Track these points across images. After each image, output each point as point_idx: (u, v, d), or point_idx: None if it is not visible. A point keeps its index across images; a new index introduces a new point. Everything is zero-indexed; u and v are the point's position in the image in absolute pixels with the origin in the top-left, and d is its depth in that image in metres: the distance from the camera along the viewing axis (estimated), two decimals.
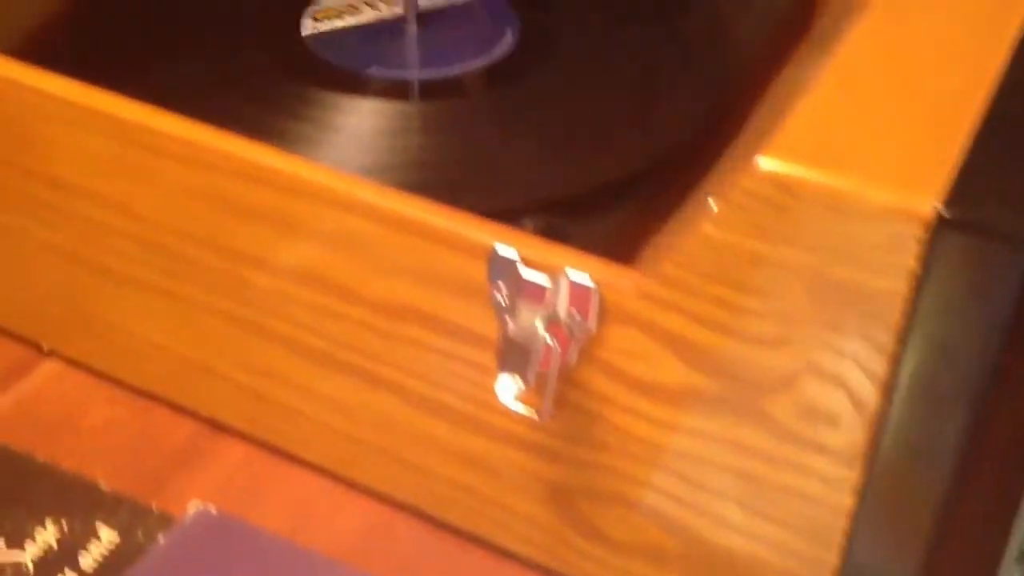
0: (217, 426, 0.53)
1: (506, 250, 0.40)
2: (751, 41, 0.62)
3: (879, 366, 0.35)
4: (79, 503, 0.50)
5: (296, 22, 0.59)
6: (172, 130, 0.45)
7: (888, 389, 0.36)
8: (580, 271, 0.39)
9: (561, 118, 0.54)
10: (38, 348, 0.56)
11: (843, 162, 0.34)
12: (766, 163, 0.34)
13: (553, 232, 0.47)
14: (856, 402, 0.36)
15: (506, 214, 0.47)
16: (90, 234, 0.50)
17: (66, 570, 0.47)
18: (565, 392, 0.42)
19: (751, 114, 0.58)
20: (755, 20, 0.64)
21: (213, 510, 0.49)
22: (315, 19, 0.60)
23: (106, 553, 0.48)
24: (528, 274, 0.40)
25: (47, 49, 0.55)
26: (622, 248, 0.50)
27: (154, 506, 0.49)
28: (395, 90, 0.55)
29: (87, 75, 0.52)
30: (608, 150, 0.51)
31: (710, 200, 0.36)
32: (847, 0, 0.66)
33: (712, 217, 0.36)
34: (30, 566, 0.47)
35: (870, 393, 0.36)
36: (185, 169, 0.45)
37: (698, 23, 0.62)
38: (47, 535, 0.48)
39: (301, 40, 0.58)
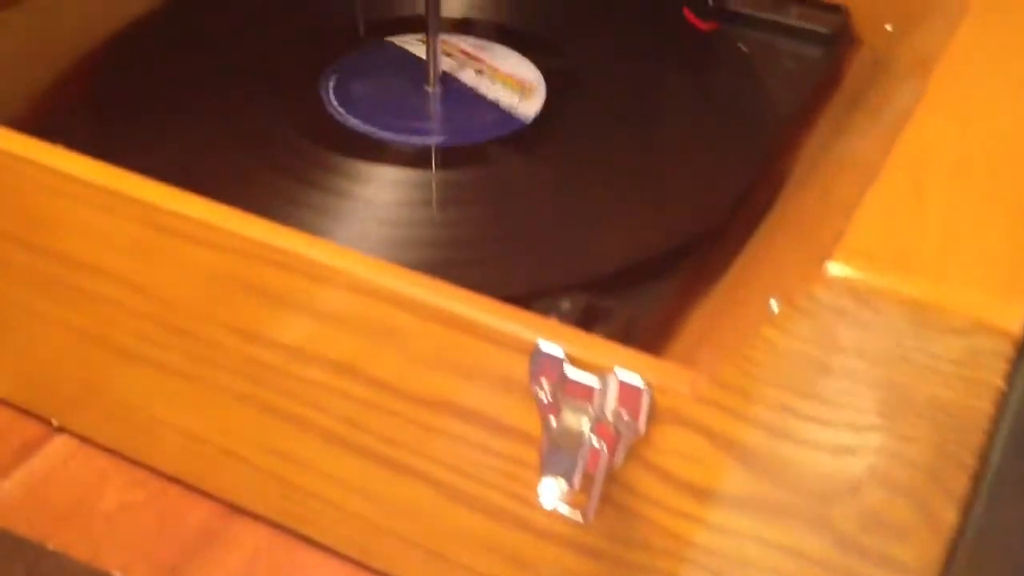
0: (236, 509, 0.51)
1: (550, 347, 0.38)
2: (783, 98, 0.60)
3: (957, 483, 0.33)
4: None
5: (316, 80, 0.57)
6: (193, 213, 0.42)
7: (966, 506, 0.33)
8: (631, 371, 0.37)
9: (593, 188, 0.52)
10: (48, 425, 0.54)
11: (921, 268, 0.32)
12: (836, 269, 0.32)
13: (594, 313, 0.45)
14: (928, 516, 0.34)
15: (542, 294, 0.45)
16: (104, 312, 0.48)
17: None
18: (610, 491, 0.40)
19: (788, 180, 0.56)
20: (784, 74, 0.62)
21: None
22: (336, 78, 0.58)
23: None
24: (574, 374, 0.38)
25: (60, 114, 0.53)
26: (665, 327, 0.48)
27: None
28: (418, 157, 0.53)
29: (104, 141, 0.50)
30: (647, 222, 0.49)
31: (772, 303, 0.34)
32: (883, 57, 0.65)
33: (775, 321, 0.34)
34: None
35: (945, 508, 0.34)
36: (208, 253, 0.43)
37: (729, 75, 0.60)
38: None
39: (321, 100, 0.56)
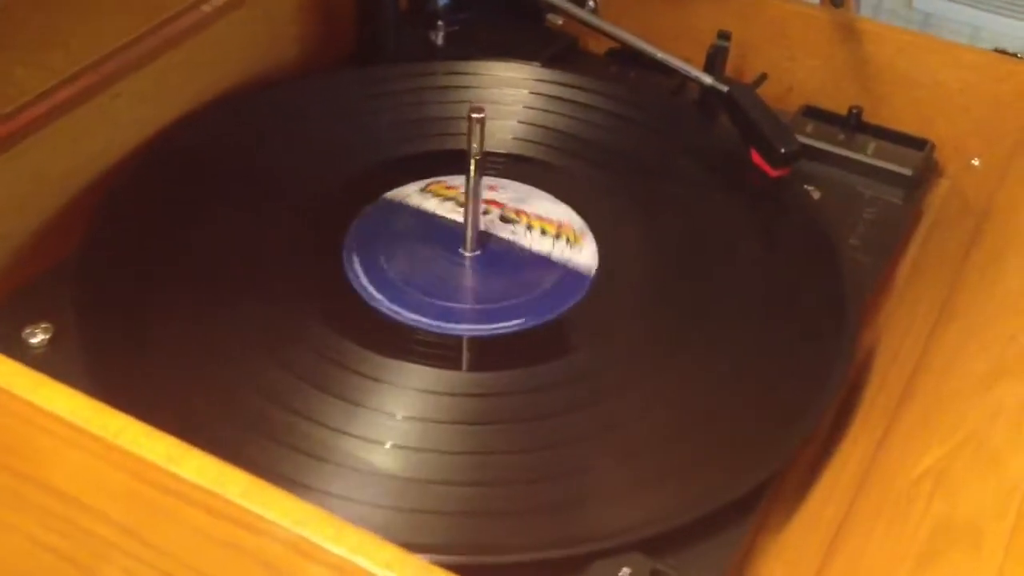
0: None
1: None
2: (861, 260, 0.53)
3: None
4: None
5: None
6: (196, 478, 0.36)
7: None
8: None
9: (656, 422, 0.44)
10: None
11: None
12: None
13: None
14: None
15: (596, 556, 0.39)
16: (92, 546, 0.42)
17: None
18: None
19: (876, 359, 0.49)
20: (862, 227, 0.56)
21: None
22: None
23: None
24: None
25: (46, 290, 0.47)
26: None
27: None
28: (445, 352, 0.47)
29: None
30: (718, 464, 0.42)
31: None
32: (973, 199, 0.58)
33: None
34: None
35: None
36: (209, 518, 0.37)
37: (798, 233, 0.54)
38: None
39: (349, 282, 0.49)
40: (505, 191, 0.54)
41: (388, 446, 0.42)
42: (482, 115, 0.47)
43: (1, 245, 0.51)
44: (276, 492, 0.36)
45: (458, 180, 0.53)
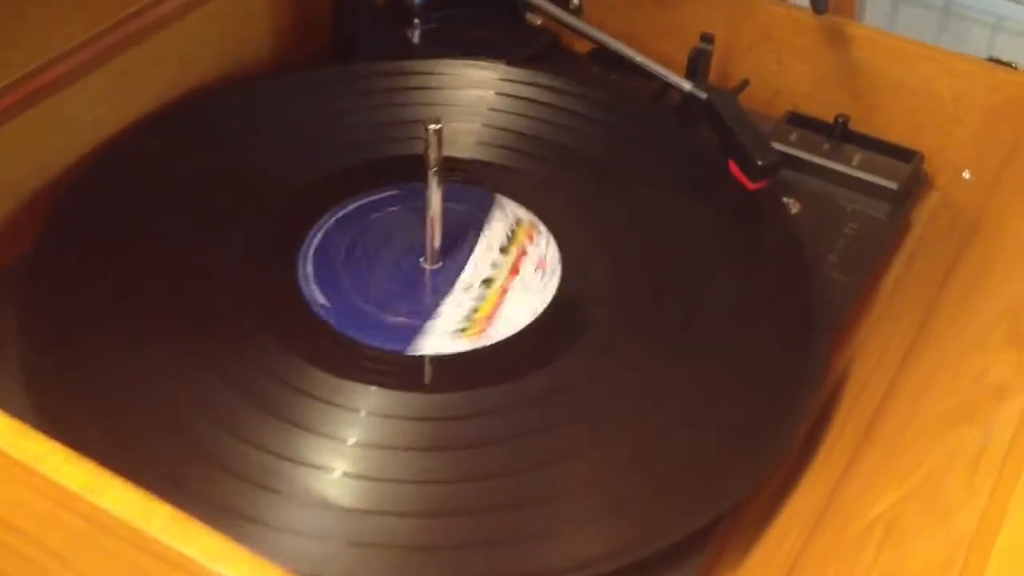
0: None
1: None
2: (839, 280, 0.51)
3: None
4: None
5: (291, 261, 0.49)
6: (115, 510, 0.35)
7: None
8: None
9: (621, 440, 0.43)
10: None
11: None
12: None
13: None
14: None
15: None
16: (30, 571, 0.41)
17: None
18: None
19: (849, 379, 0.47)
20: (842, 243, 0.54)
21: None
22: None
23: None
24: None
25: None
26: None
27: None
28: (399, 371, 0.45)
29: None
30: (685, 496, 0.41)
31: None
32: (961, 211, 0.56)
33: None
34: None
35: None
36: (131, 550, 0.36)
37: (775, 249, 0.52)
38: None
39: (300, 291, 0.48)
40: (538, 275, 0.50)
41: (338, 474, 0.41)
42: (439, 126, 0.45)
43: None
44: (198, 527, 0.35)
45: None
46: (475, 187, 0.53)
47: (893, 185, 0.55)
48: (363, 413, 0.42)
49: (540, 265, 0.49)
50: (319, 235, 0.50)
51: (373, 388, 0.43)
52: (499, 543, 0.39)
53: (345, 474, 0.41)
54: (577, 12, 0.64)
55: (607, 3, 0.65)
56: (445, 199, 0.48)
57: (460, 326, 0.46)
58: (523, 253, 0.50)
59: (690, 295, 0.49)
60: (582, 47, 0.65)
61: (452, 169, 0.51)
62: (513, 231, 0.51)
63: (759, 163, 0.52)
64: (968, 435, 0.35)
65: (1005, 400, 0.35)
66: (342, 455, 0.41)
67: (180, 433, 0.42)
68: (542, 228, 0.51)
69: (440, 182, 0.47)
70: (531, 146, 0.55)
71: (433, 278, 0.49)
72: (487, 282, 0.48)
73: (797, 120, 0.59)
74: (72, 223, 0.49)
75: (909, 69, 0.58)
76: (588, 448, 0.42)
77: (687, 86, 0.56)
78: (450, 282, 0.48)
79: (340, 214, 0.51)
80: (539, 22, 0.63)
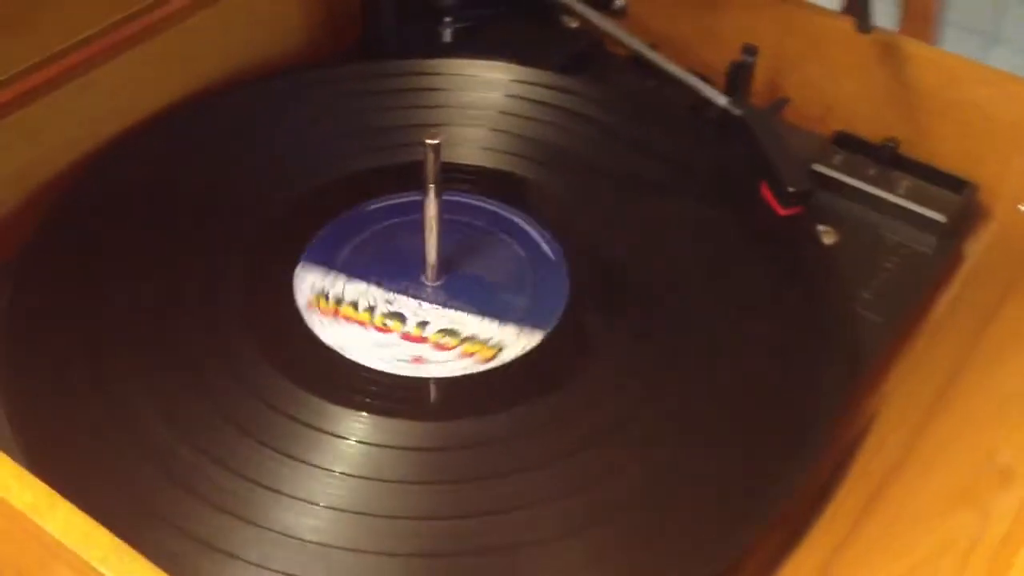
0: None
1: None
2: (874, 321, 0.48)
3: None
4: None
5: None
6: (58, 533, 0.34)
7: None
8: None
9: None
10: None
11: None
12: None
13: None
14: None
15: None
16: None
17: None
18: None
19: (874, 427, 0.44)
20: (881, 279, 0.50)
21: None
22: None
23: None
24: None
25: None
26: None
27: None
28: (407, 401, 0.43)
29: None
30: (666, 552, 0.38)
31: None
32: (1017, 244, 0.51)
33: None
34: None
35: None
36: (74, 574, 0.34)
37: (805, 285, 0.48)
38: None
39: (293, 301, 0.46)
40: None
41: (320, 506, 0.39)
42: (437, 141, 0.43)
43: None
44: (138, 561, 0.34)
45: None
46: (499, 202, 0.50)
47: (941, 218, 0.51)
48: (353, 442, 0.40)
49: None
50: (317, 246, 0.48)
51: (361, 413, 0.41)
52: None
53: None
54: (620, 13, 0.61)
55: (651, 5, 0.62)
56: (463, 211, 0.46)
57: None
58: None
59: (699, 334, 0.45)
60: (623, 50, 0.62)
61: (459, 179, 0.49)
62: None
63: (790, 189, 0.49)
64: (965, 521, 0.31)
65: (1007, 487, 0.31)
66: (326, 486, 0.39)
67: (152, 454, 0.40)
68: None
69: (438, 197, 0.44)
70: (546, 154, 0.52)
71: (434, 296, 0.47)
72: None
73: (845, 141, 0.55)
74: (64, 227, 0.48)
75: (968, 92, 0.54)
76: (582, 490, 0.39)
77: (722, 100, 0.53)
78: (444, 304, 0.46)
79: (341, 222, 0.49)
80: (574, 25, 0.59)
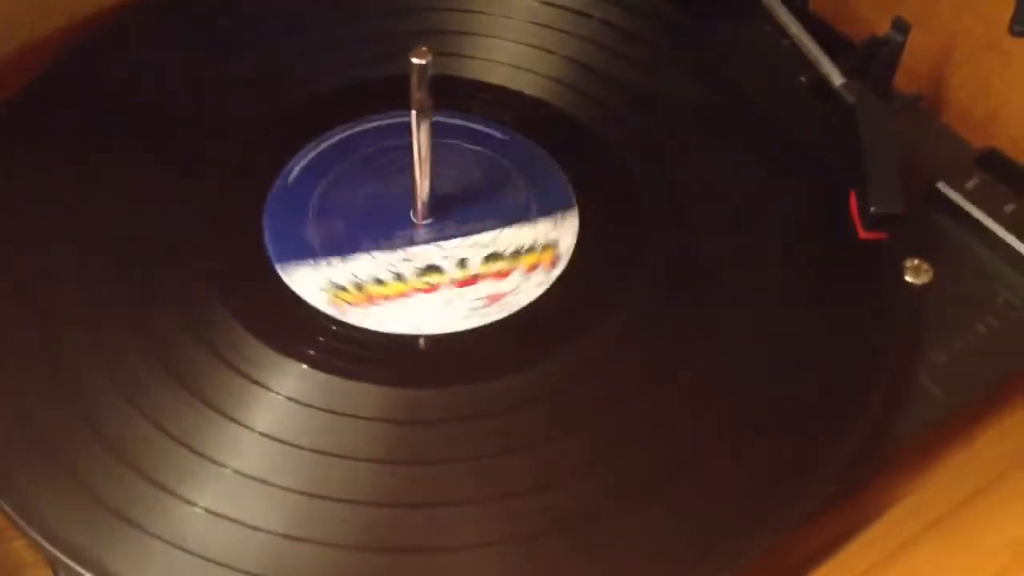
0: None
1: None
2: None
3: None
4: None
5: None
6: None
7: None
8: None
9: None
10: None
11: None
12: None
13: None
14: None
15: None
16: None
17: None
18: None
19: None
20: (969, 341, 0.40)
21: None
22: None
23: None
24: None
25: None
26: None
27: None
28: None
29: None
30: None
31: None
32: None
33: None
34: None
35: None
36: None
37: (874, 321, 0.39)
38: None
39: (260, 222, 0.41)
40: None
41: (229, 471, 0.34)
42: (424, 61, 0.36)
43: None
44: None
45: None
46: (522, 136, 0.43)
47: None
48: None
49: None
50: (295, 171, 0.42)
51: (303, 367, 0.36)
52: None
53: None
54: None
55: None
56: (477, 139, 0.41)
57: None
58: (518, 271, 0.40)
59: (726, 350, 0.37)
60: None
61: (478, 98, 0.43)
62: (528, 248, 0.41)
63: (871, 209, 0.39)
64: None
65: None
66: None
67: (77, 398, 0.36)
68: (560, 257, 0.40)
69: (424, 124, 0.38)
70: (602, 87, 0.44)
71: (442, 232, 0.41)
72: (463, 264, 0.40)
73: (992, 161, 0.44)
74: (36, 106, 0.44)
75: None
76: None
77: (838, 81, 0.43)
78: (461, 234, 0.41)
79: (324, 146, 0.43)
80: None
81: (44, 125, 0.44)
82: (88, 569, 0.32)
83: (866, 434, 0.35)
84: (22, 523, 0.32)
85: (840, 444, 0.35)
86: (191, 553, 0.32)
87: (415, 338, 0.37)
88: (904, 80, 0.46)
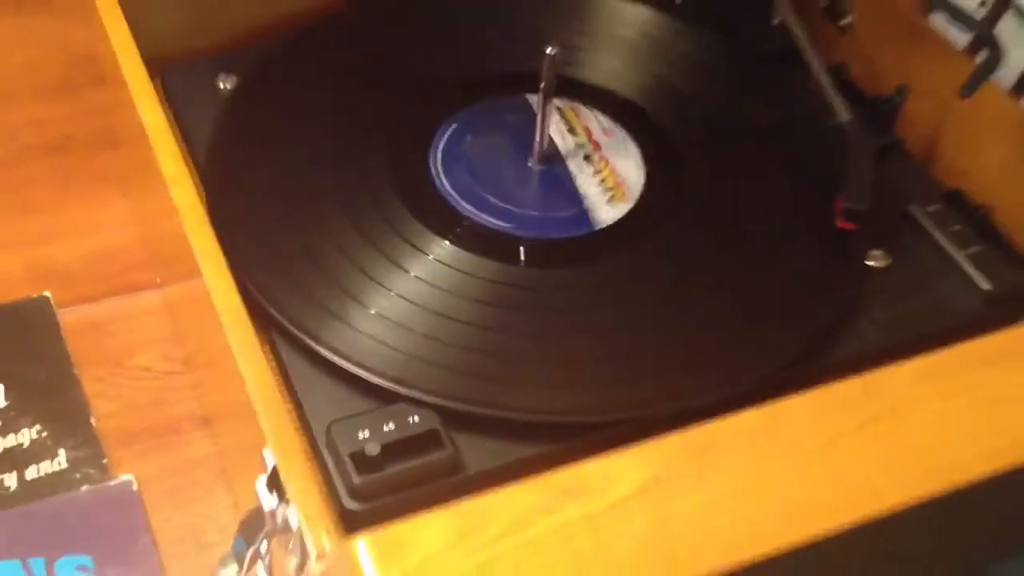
0: None
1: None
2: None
3: None
4: None
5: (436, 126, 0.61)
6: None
7: None
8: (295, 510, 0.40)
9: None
10: None
11: None
12: None
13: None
14: None
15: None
16: None
17: None
18: None
19: None
20: (906, 316, 0.56)
21: None
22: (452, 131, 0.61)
23: None
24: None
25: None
26: None
27: None
28: (477, 240, 0.55)
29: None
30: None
31: None
32: None
33: None
34: None
35: None
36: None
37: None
38: None
39: (427, 156, 0.60)
40: (612, 137, 0.61)
41: (393, 294, 0.53)
42: (553, 52, 0.55)
43: None
44: None
45: (590, 113, 0.62)
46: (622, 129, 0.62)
47: (989, 287, 0.56)
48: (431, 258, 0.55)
49: (607, 133, 0.60)
50: (458, 122, 0.62)
51: (443, 241, 0.56)
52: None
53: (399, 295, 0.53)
54: (846, 29, 0.68)
55: (875, 30, 0.68)
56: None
57: (609, 195, 0.58)
58: (587, 128, 0.60)
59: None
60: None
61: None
62: (562, 114, 0.61)
63: (844, 204, 0.56)
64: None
65: None
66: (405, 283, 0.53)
67: (309, 249, 0.55)
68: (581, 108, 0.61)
69: (548, 98, 0.56)
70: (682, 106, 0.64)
71: (546, 175, 0.59)
72: (587, 158, 0.59)
73: (954, 198, 0.60)
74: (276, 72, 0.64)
75: None
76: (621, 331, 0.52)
77: (845, 117, 0.60)
78: (564, 170, 0.59)
79: (482, 108, 0.63)
80: (776, 21, 0.67)
81: (306, 70, 0.64)
82: (302, 333, 0.50)
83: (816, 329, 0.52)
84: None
85: (800, 326, 0.52)
86: (363, 333, 0.50)
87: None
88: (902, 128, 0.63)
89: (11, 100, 0.80)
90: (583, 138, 0.60)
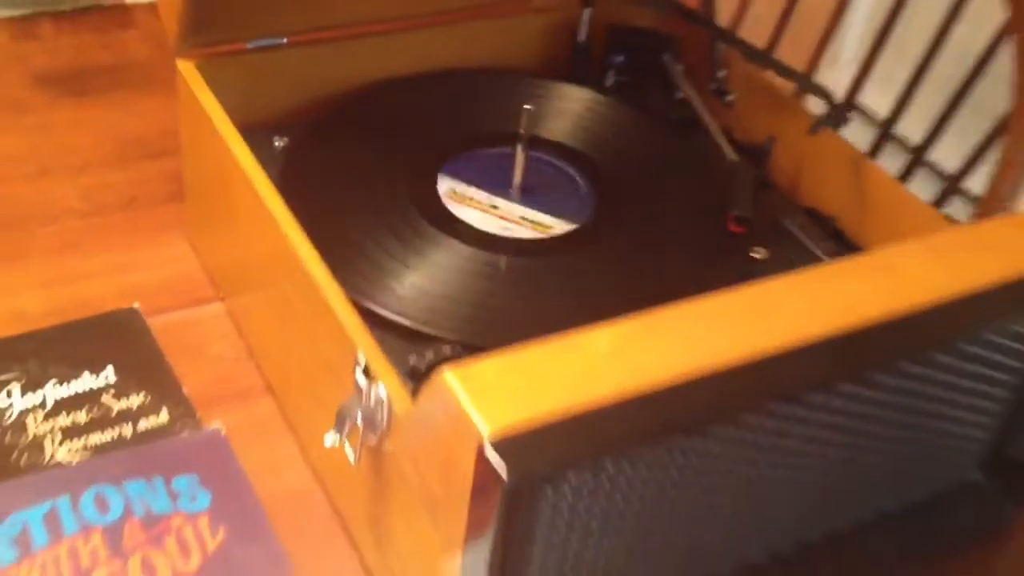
0: None
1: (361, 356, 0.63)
2: None
3: None
4: None
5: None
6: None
7: None
8: (386, 392, 0.62)
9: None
10: None
11: None
12: None
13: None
14: None
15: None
16: None
17: None
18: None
19: None
20: None
21: None
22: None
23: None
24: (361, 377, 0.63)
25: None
26: None
27: None
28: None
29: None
30: None
31: None
32: None
33: None
34: None
35: None
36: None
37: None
38: None
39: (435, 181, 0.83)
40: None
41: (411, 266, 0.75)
42: (530, 108, 0.79)
43: None
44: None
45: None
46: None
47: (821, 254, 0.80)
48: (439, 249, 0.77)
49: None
50: (454, 162, 0.85)
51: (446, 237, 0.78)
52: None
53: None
54: (729, 105, 0.94)
55: (753, 105, 0.93)
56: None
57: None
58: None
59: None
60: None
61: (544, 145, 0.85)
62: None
63: (735, 213, 0.80)
64: None
65: None
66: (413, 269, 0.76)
67: (367, 230, 0.78)
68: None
69: (525, 146, 0.80)
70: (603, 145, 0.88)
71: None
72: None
73: (810, 213, 0.85)
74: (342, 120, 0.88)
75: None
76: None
77: (732, 156, 0.85)
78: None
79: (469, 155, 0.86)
80: (680, 95, 0.93)
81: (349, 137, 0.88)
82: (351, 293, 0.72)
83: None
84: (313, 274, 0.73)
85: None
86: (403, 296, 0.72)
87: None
88: (773, 170, 0.88)
89: (85, 169, 1.01)
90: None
